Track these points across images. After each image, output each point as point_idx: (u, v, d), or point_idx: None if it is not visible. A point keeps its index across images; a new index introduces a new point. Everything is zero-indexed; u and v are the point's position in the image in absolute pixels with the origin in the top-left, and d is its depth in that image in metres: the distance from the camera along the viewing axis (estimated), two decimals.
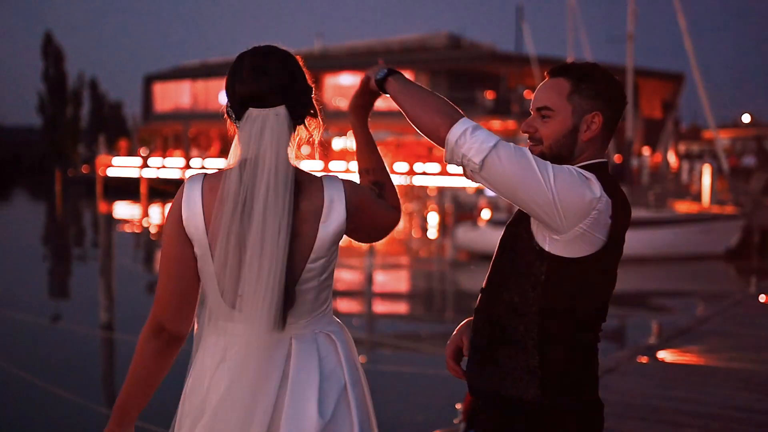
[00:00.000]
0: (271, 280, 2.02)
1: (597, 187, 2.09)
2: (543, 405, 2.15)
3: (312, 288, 2.14)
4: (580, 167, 2.18)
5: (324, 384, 2.12)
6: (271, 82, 2.11)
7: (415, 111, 2.18)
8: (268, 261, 2.02)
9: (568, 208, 2.05)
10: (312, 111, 2.21)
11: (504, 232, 2.30)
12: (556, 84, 2.25)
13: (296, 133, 2.18)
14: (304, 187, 2.12)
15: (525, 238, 2.19)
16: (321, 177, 2.18)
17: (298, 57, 2.20)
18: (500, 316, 2.21)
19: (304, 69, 2.20)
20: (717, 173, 24.53)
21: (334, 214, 2.13)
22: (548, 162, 2.10)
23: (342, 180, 2.18)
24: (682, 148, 59.17)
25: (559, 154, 2.21)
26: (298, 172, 2.12)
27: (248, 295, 2.05)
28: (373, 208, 2.25)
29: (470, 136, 2.07)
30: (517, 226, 2.24)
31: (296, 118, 2.16)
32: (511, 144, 2.09)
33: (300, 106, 2.16)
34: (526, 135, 2.27)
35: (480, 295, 2.32)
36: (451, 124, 2.11)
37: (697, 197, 24.91)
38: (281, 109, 2.11)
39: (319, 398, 2.09)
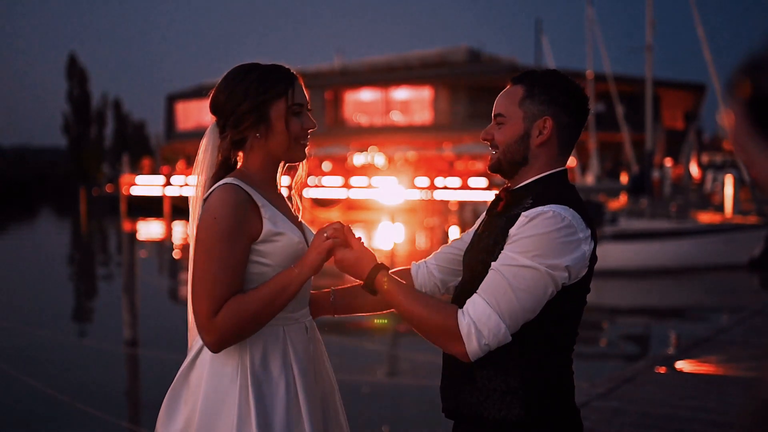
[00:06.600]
0: None
1: (582, 234, 2.12)
2: (527, 424, 2.14)
3: None
4: (538, 178, 2.22)
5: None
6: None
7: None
8: None
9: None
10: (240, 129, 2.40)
11: (471, 260, 2.29)
12: (511, 91, 2.28)
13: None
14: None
15: None
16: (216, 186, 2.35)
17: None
18: None
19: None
20: (739, 183, 24.36)
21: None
22: (551, 275, 2.08)
23: (212, 194, 2.34)
24: (705, 158, 58.79)
25: (512, 159, 2.24)
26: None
27: None
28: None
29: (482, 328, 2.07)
30: (486, 258, 2.20)
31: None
32: (512, 298, 2.07)
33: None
34: (487, 142, 2.30)
35: None
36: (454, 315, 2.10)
37: (720, 208, 24.77)
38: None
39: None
